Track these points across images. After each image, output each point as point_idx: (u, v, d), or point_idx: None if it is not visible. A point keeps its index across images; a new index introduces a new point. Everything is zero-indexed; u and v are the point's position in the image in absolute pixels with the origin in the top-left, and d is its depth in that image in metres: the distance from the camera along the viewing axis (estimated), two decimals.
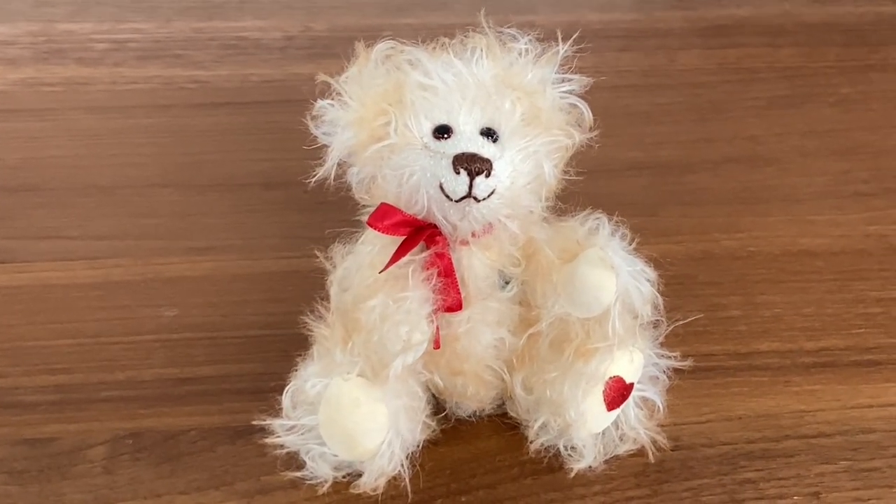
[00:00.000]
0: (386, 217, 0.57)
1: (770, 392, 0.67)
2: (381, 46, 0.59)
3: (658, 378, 0.62)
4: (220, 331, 0.72)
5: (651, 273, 0.58)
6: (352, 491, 0.59)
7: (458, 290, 0.58)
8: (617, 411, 0.61)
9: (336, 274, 0.61)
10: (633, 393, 0.61)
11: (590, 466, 0.61)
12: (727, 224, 0.82)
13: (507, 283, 0.61)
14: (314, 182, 0.58)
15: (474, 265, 0.59)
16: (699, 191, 0.87)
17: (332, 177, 0.58)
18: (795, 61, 1.06)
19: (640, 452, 0.62)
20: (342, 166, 0.59)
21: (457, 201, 0.55)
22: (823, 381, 0.68)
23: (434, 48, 0.59)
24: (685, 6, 1.14)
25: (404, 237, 0.57)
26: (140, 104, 0.98)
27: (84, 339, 0.71)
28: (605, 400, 0.60)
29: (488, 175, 0.55)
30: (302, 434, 0.59)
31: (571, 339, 0.59)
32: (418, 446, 0.60)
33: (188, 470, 0.61)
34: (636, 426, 0.62)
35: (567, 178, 0.60)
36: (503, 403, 0.64)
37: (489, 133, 0.57)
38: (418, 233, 0.57)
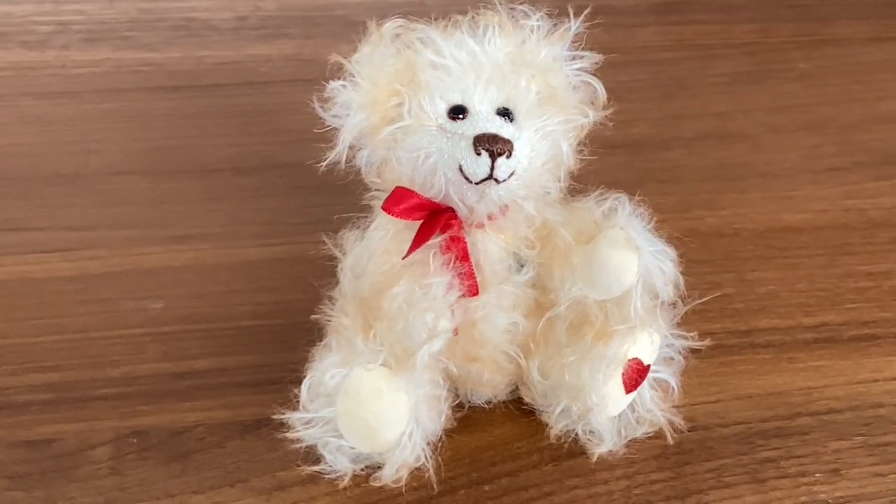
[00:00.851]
0: (402, 201, 0.56)
1: (776, 369, 0.66)
2: (390, 25, 0.57)
3: (673, 359, 0.61)
4: (212, 322, 0.69)
5: (672, 253, 0.57)
6: (373, 483, 0.57)
7: (474, 274, 0.57)
8: (634, 394, 0.60)
9: (347, 261, 0.59)
10: (649, 374, 0.60)
11: (610, 450, 0.60)
12: (709, 201, 0.82)
13: (521, 266, 0.59)
14: (325, 166, 0.56)
15: (489, 248, 0.58)
16: (676, 168, 0.87)
17: (344, 160, 0.57)
18: (751, 37, 1.07)
19: (658, 434, 0.61)
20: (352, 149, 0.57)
21: (476, 183, 0.54)
22: (826, 356, 0.68)
23: (445, 26, 0.57)
24: None
25: (420, 221, 0.56)
26: (93, 88, 0.94)
27: (70, 335, 0.67)
28: (623, 382, 0.59)
29: (509, 156, 0.54)
30: (321, 427, 0.56)
31: (591, 322, 0.58)
32: (439, 437, 0.58)
33: (200, 468, 0.59)
34: (652, 408, 0.61)
35: (582, 157, 0.59)
36: (516, 389, 0.62)
37: (505, 113, 0.56)
38: (435, 216, 0.56)
